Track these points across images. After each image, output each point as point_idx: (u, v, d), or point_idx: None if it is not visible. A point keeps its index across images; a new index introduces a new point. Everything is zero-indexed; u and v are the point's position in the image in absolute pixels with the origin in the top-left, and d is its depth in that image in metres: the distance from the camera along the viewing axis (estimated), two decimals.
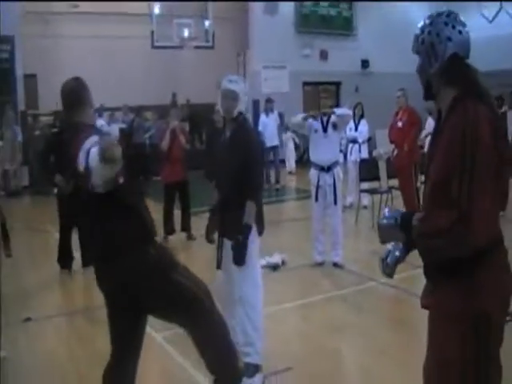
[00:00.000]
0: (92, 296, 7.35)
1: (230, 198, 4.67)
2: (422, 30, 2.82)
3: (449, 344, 2.73)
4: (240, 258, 4.54)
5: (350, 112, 8.30)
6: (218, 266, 4.88)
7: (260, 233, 4.78)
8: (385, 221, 2.82)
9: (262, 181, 5.16)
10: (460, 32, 2.72)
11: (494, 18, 20.74)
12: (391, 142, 10.07)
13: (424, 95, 2.91)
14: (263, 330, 4.74)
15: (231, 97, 4.66)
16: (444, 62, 2.72)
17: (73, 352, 5.50)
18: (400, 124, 9.74)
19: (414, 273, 7.47)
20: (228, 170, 4.67)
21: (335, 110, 7.76)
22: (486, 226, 2.56)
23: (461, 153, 2.51)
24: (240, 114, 4.73)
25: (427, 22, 2.80)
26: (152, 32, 17.83)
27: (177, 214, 9.59)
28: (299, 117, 7.76)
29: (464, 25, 2.75)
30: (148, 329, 5.76)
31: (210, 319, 3.74)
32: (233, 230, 4.61)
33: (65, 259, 7.94)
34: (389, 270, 2.96)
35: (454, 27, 2.72)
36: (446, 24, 2.72)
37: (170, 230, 9.38)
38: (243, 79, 4.96)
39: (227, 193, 4.71)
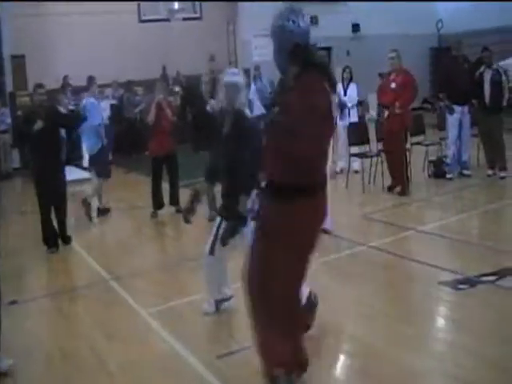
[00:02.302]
0: (75, 276, 7.36)
1: (235, 186, 4.87)
2: (273, 23, 3.67)
3: (272, 255, 3.60)
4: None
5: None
6: (224, 244, 5.12)
7: None
8: None
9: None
10: (299, 25, 3.60)
11: None
12: (381, 104, 9.94)
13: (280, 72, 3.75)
14: None
15: (234, 89, 4.98)
16: (288, 49, 3.60)
17: (57, 332, 5.48)
18: (393, 85, 9.52)
19: (402, 235, 7.51)
20: (231, 160, 4.95)
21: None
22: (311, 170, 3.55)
23: (298, 118, 3.34)
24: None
25: (276, 17, 3.65)
26: (138, 5, 17.58)
27: (165, 188, 9.51)
28: None
29: (304, 17, 3.63)
30: (134, 304, 5.83)
31: None
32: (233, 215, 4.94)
33: (49, 239, 7.95)
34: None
35: (294, 22, 3.59)
36: (289, 20, 3.60)
37: (158, 204, 9.31)
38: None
39: (231, 182, 4.99)
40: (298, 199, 3.55)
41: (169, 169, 9.41)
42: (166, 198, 9.46)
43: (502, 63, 12.68)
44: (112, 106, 16.57)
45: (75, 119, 8.65)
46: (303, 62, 3.57)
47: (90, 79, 10.36)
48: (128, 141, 15.90)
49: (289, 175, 3.54)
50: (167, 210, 9.44)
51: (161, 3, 18.13)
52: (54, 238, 8.00)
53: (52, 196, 7.90)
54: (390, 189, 9.73)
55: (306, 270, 3.81)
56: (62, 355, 4.94)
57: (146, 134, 9.79)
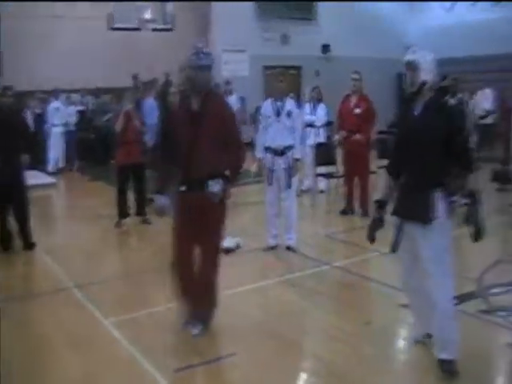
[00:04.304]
0: (37, 282, 7.26)
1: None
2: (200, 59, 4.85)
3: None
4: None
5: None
6: (394, 250, 4.65)
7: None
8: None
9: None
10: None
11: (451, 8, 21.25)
12: (347, 129, 9.69)
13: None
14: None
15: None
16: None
17: (19, 339, 5.37)
18: (358, 110, 9.57)
19: (366, 257, 7.57)
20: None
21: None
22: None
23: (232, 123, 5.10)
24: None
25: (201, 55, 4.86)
26: (110, 13, 17.53)
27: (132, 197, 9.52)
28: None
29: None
30: (96, 313, 5.78)
31: None
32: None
33: (5, 241, 7.90)
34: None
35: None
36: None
37: (123, 213, 9.27)
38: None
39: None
40: None
41: (136, 178, 9.38)
42: (132, 209, 9.47)
43: None
44: (79, 112, 16.49)
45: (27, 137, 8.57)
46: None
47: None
48: (95, 148, 15.81)
49: None
50: (132, 220, 9.41)
51: (132, 12, 18.13)
52: (8, 239, 7.94)
53: (6, 195, 7.82)
54: (344, 213, 9.81)
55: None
56: (25, 364, 4.87)
57: (114, 143, 9.73)
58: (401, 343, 5.37)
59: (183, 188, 4.99)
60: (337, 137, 9.82)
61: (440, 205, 4.48)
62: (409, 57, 4.60)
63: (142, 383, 4.50)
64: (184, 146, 4.89)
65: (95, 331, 5.45)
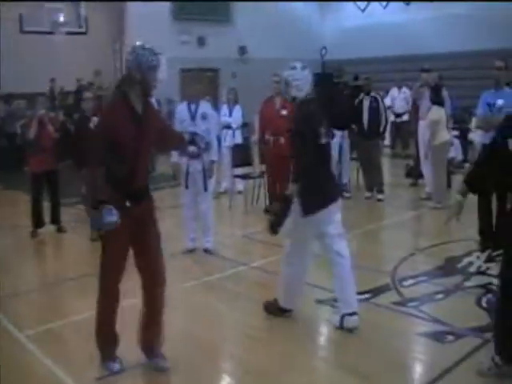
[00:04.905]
0: None
1: None
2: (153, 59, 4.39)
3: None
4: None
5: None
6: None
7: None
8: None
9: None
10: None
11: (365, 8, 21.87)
12: (267, 129, 9.62)
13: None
14: None
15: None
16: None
17: None
18: (285, 113, 9.46)
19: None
20: None
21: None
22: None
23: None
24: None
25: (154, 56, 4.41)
26: (20, 15, 17.15)
27: (46, 205, 9.29)
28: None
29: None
30: (10, 327, 5.63)
31: None
32: None
33: None
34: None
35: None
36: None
37: (38, 222, 9.06)
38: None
39: None
40: None
41: (50, 186, 9.18)
42: (46, 217, 9.26)
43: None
44: None
45: None
46: None
47: None
48: (7, 156, 15.39)
49: None
50: (47, 228, 9.21)
51: (44, 15, 17.79)
52: None
53: None
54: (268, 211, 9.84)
55: None
56: None
57: (27, 150, 9.48)
58: (317, 339, 5.48)
59: (127, 203, 4.33)
60: (269, 138, 9.63)
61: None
62: (284, 73, 5.29)
63: None
64: (130, 153, 4.31)
65: (10, 346, 5.31)
